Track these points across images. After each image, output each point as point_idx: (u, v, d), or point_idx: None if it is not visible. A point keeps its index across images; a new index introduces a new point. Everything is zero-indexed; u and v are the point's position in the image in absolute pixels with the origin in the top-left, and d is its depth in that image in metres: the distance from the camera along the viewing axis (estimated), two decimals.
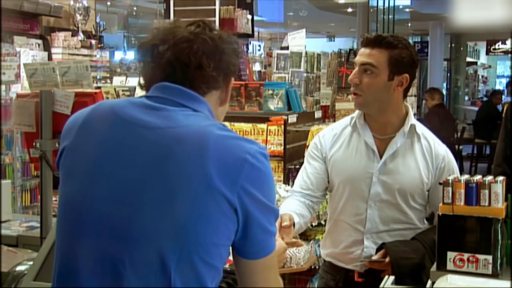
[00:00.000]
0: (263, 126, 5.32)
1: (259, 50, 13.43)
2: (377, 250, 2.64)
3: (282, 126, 5.20)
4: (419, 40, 24.01)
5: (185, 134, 1.49)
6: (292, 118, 5.29)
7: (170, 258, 1.44)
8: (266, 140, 5.32)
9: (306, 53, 6.18)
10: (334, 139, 2.82)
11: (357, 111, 2.79)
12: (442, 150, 2.73)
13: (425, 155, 2.70)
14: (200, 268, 1.46)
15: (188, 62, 1.56)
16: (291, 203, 2.79)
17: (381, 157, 2.70)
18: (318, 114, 6.12)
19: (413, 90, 8.62)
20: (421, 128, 2.75)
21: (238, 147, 1.51)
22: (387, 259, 2.55)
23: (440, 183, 2.07)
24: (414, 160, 2.70)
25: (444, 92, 24.16)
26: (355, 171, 2.73)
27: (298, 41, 6.35)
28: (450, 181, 2.01)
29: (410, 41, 24.61)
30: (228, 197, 1.46)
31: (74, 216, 1.54)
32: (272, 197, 1.56)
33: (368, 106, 2.67)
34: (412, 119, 2.73)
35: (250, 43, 11.13)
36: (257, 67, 9.98)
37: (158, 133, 1.49)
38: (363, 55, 2.64)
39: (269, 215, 1.55)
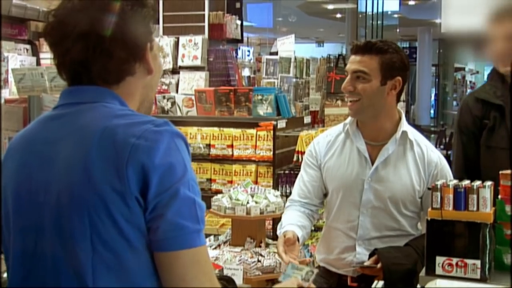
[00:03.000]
0: (252, 131, 5.32)
1: (248, 55, 13.42)
2: (370, 256, 2.64)
3: (271, 132, 5.20)
4: (407, 45, 24.11)
5: (75, 138, 1.44)
6: (281, 124, 5.30)
7: (86, 273, 1.40)
8: (256, 145, 5.32)
9: (295, 58, 6.19)
10: (328, 146, 2.82)
11: (350, 117, 2.78)
12: (435, 157, 2.72)
13: (417, 162, 2.70)
14: (116, 270, 1.41)
15: (88, 64, 1.49)
16: (292, 215, 2.79)
17: (373, 164, 2.70)
18: (307, 119, 6.12)
19: (402, 96, 8.66)
20: (414, 134, 2.74)
21: (124, 133, 1.40)
22: (379, 265, 2.55)
23: (428, 188, 2.08)
24: (406, 167, 2.69)
25: (433, 97, 24.28)
26: (347, 178, 2.73)
27: (287, 46, 6.36)
28: (439, 186, 2.02)
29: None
30: (119, 189, 1.38)
31: (7, 250, 1.55)
32: (177, 181, 1.41)
33: (364, 112, 2.66)
34: (404, 125, 2.72)
35: (239, 48, 11.12)
36: (246, 72, 9.99)
37: (56, 145, 1.46)
38: (354, 62, 2.64)
39: (176, 203, 1.40)
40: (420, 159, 2.70)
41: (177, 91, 6.18)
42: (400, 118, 2.73)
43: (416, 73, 21.27)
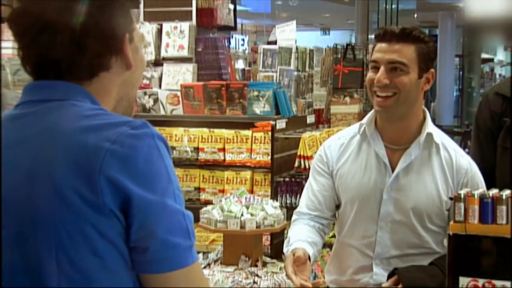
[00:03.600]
0: (247, 133, 5.33)
1: (243, 45, 13.47)
2: (389, 277, 2.62)
3: (269, 133, 5.21)
4: (426, 33, 24.16)
5: (39, 141, 1.45)
6: (281, 124, 5.31)
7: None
8: (251, 149, 5.32)
9: (296, 48, 6.20)
10: (341, 150, 2.81)
11: (367, 116, 2.77)
12: (465, 162, 2.71)
13: (444, 169, 2.69)
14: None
15: (56, 58, 1.49)
16: (301, 230, 2.78)
17: (393, 171, 2.70)
18: (310, 119, 6.14)
19: None
20: (440, 136, 2.74)
21: (96, 137, 1.40)
22: (400, 287, 2.54)
23: (450, 198, 2.08)
24: (431, 174, 2.69)
25: (456, 93, 24.31)
26: (364, 188, 2.72)
27: (288, 34, 6.37)
28: (462, 196, 2.02)
29: None
30: (91, 201, 1.38)
31: None
32: (163, 192, 1.42)
33: (397, 109, 2.64)
34: (429, 126, 2.71)
35: (232, 36, 11.14)
36: (240, 64, 10.00)
37: (18, 149, 1.46)
38: (388, 51, 2.62)
39: (162, 216, 1.41)
40: (448, 165, 2.70)
41: (160, 86, 6.19)
42: (424, 118, 2.73)
43: (437, 65, 21.28)
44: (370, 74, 2.66)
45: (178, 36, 6.28)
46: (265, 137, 5.26)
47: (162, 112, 5.77)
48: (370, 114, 2.78)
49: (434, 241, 2.72)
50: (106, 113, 1.50)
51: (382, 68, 2.61)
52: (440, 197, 2.68)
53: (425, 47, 2.64)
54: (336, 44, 6.61)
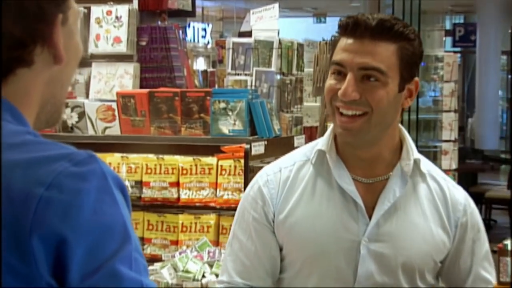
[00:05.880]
0: (211, 160, 5.34)
1: (204, 37, 13.50)
2: None
3: (242, 161, 5.22)
4: (461, 21, 24.34)
5: None
6: (258, 148, 5.32)
7: None
8: (216, 183, 5.33)
9: (280, 42, 6.24)
10: (288, 187, 2.74)
11: (324, 139, 2.72)
12: (460, 195, 2.74)
13: (436, 205, 2.70)
14: None
15: None
16: None
17: (370, 214, 2.65)
18: (299, 140, 6.16)
19: (452, 102, 8.69)
20: (426, 164, 2.75)
21: (24, 178, 1.39)
22: None
23: (493, 251, 2.11)
24: (422, 214, 2.68)
25: (503, 104, 24.45)
26: (331, 240, 2.65)
27: (267, 22, 6.41)
28: (509, 248, 2.06)
29: (449, 22, 24.81)
30: (21, 272, 1.37)
31: None
32: (113, 254, 1.42)
33: (368, 133, 2.60)
34: (414, 150, 2.70)
35: (189, 25, 11.17)
36: (200, 64, 10.04)
37: None
38: (360, 52, 2.56)
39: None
40: (440, 200, 2.70)
41: (87, 95, 6.19)
42: (400, 140, 2.73)
43: (476, 66, 21.43)
44: (331, 82, 2.61)
45: (113, 25, 6.30)
46: (235, 167, 5.27)
47: (91, 132, 5.77)
48: (327, 135, 2.73)
49: None
50: (37, 140, 1.49)
51: (350, 76, 2.55)
52: (436, 245, 2.68)
53: (409, 47, 2.60)
54: (335, 37, 6.65)
